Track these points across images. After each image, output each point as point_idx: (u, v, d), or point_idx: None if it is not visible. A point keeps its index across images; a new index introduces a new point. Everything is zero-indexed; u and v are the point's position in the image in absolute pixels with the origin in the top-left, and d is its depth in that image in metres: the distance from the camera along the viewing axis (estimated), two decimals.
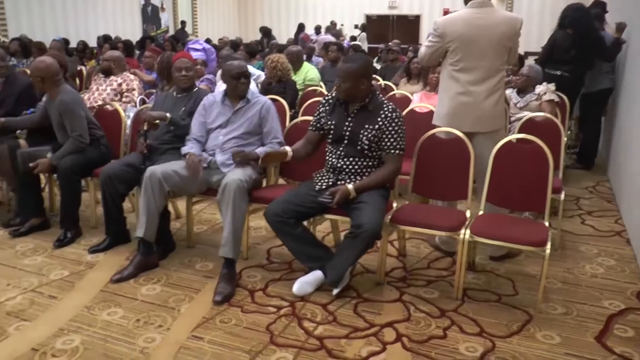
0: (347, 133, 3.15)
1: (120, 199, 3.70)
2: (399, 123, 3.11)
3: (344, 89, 3.11)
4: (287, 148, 3.28)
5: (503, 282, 3.33)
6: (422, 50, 3.65)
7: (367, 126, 3.11)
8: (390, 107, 3.13)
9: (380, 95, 3.23)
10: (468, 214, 3.27)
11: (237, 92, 3.60)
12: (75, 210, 3.94)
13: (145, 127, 3.64)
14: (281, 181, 3.96)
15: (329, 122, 3.21)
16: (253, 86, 4.68)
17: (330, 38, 13.06)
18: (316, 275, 3.12)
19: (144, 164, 3.58)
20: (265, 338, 2.71)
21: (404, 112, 4.12)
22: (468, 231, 3.04)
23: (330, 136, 3.22)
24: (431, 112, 3.95)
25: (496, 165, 3.30)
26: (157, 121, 3.64)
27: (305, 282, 3.11)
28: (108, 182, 3.57)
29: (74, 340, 2.69)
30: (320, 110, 3.29)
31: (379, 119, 3.09)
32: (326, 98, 3.32)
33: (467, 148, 3.36)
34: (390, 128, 3.09)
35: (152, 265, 3.44)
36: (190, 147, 3.55)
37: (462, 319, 2.89)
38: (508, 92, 5.04)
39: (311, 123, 3.35)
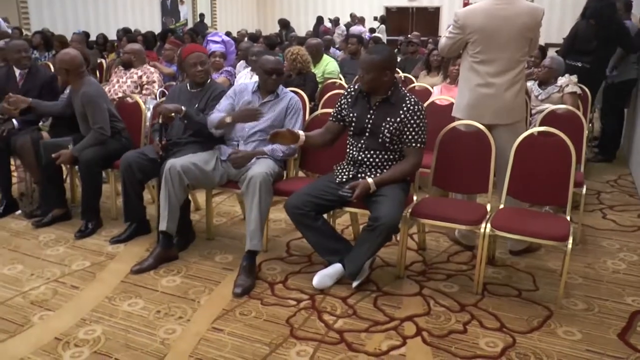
0: (369, 126, 3.14)
1: (139, 186, 3.73)
2: (421, 116, 3.09)
3: (367, 80, 3.09)
4: (300, 132, 3.27)
5: (523, 277, 3.30)
6: (442, 41, 3.62)
7: (389, 119, 3.09)
8: (412, 100, 3.11)
9: (403, 89, 3.21)
10: (489, 207, 3.24)
11: (267, 87, 3.60)
12: (96, 202, 3.98)
13: (160, 121, 3.59)
14: (301, 174, 3.96)
15: (351, 114, 3.20)
16: None
17: (362, 29, 12.98)
18: (336, 268, 3.12)
19: (160, 160, 3.59)
20: (285, 331, 2.72)
21: (424, 105, 4.09)
22: (489, 225, 3.01)
23: (352, 128, 3.21)
24: (451, 105, 3.91)
25: (517, 159, 3.26)
26: (173, 114, 3.57)
27: (325, 275, 3.12)
28: (127, 169, 3.61)
29: (95, 330, 2.72)
30: (342, 101, 3.28)
31: (401, 112, 3.07)
32: (349, 90, 3.31)
33: (488, 141, 3.33)
34: (412, 121, 3.07)
35: (172, 257, 3.47)
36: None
37: (482, 314, 2.88)
38: (529, 84, 4.98)
39: (332, 113, 3.34)
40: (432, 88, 5.15)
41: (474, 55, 3.41)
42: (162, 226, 3.38)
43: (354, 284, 3.10)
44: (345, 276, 3.12)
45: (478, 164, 3.36)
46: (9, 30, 6.32)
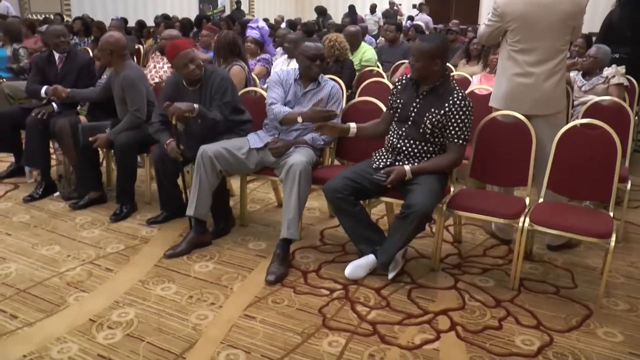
0: (412, 114, 3.08)
1: (173, 176, 3.74)
2: (467, 112, 3.01)
3: (416, 68, 3.04)
4: (352, 124, 3.25)
5: (561, 274, 3.21)
6: (481, 29, 3.54)
7: (433, 110, 3.03)
8: (460, 94, 3.03)
9: (454, 82, 3.13)
10: (527, 201, 3.15)
11: (310, 74, 3.53)
12: (130, 186, 4.02)
13: (173, 122, 3.46)
14: (336, 162, 3.93)
15: (398, 101, 3.16)
16: None
17: (427, 18, 12.80)
18: (369, 259, 3.08)
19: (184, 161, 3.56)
20: (318, 320, 2.69)
21: None
22: (527, 219, 2.93)
23: (397, 115, 3.17)
24: (490, 95, 3.83)
25: (559, 151, 3.17)
26: (187, 114, 3.42)
27: (358, 266, 3.08)
28: (159, 161, 3.63)
29: (128, 313, 2.74)
30: (393, 90, 3.24)
31: (446, 105, 3.01)
32: (401, 77, 3.26)
33: (529, 132, 3.24)
34: (457, 116, 3.00)
35: (205, 243, 3.48)
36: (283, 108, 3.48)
37: (519, 310, 2.81)
38: (572, 74, 4.83)
39: (388, 104, 3.30)
40: (472, 77, 5.05)
41: (513, 43, 3.32)
42: (190, 211, 3.39)
43: (390, 275, 3.06)
44: (377, 266, 3.08)
45: (517, 156, 3.28)
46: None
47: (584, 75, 4.80)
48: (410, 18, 14.19)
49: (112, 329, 2.61)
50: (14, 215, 3.99)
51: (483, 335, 2.59)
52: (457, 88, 3.08)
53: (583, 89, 4.72)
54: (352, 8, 14.42)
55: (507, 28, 3.31)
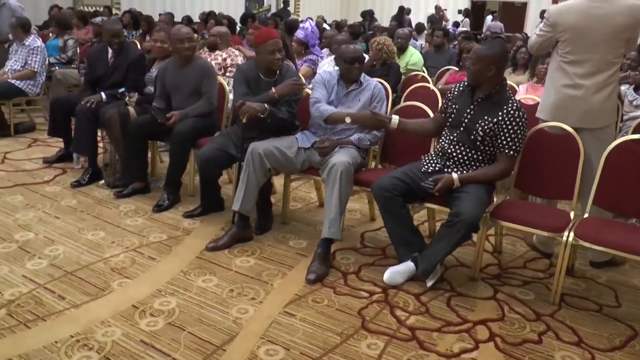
0: (466, 120, 3.07)
1: (215, 177, 3.85)
2: (520, 123, 2.99)
3: (472, 71, 3.04)
4: (394, 116, 3.28)
5: (605, 292, 3.14)
6: (532, 38, 3.48)
7: (486, 117, 3.01)
8: (515, 104, 3.01)
9: (509, 92, 3.11)
10: (572, 215, 3.09)
11: (351, 76, 3.56)
12: (179, 175, 4.10)
13: (244, 120, 3.47)
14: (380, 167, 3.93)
15: (453, 106, 3.16)
16: None
17: (500, 25, 12.71)
18: (408, 266, 3.06)
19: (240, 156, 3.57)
20: (357, 322, 2.69)
21: None
22: (572, 234, 2.88)
23: (450, 120, 3.16)
24: (537, 105, 3.78)
25: (607, 166, 3.09)
26: (259, 114, 3.44)
27: (396, 272, 3.06)
28: (204, 164, 3.65)
29: (170, 302, 2.79)
30: (449, 95, 3.24)
31: (500, 114, 2.98)
32: (459, 84, 3.25)
33: (577, 145, 3.17)
34: (509, 126, 2.98)
35: (247, 238, 3.51)
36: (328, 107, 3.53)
37: (559, 326, 2.75)
38: (623, 88, 4.73)
39: (440, 106, 3.32)
40: (517, 86, 4.98)
41: (564, 54, 3.26)
42: (236, 206, 3.42)
43: (428, 283, 3.03)
44: (418, 274, 3.04)
45: (564, 169, 3.21)
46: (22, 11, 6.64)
47: (635, 89, 4.69)
48: (456, 24, 14.06)
49: (154, 317, 2.65)
50: (62, 199, 4.10)
51: (522, 349, 2.55)
52: (512, 98, 3.05)
53: (634, 103, 4.61)
54: (401, 9, 14.39)
55: (559, 39, 3.26)
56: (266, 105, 3.46)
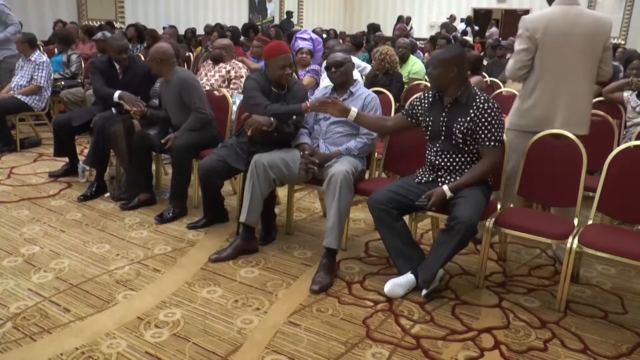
0: (443, 128, 3.10)
1: (217, 188, 3.85)
2: (493, 114, 3.01)
3: (434, 75, 3.09)
4: (353, 107, 3.34)
5: (610, 298, 3.13)
6: (509, 63, 3.56)
7: (460, 119, 3.04)
8: (482, 97, 3.05)
9: (475, 88, 3.13)
10: (576, 222, 3.08)
11: (333, 83, 3.64)
12: (184, 188, 4.12)
13: (249, 133, 3.48)
14: (383, 175, 3.93)
15: (427, 119, 3.17)
16: (358, 76, 4.65)
17: (495, 31, 12.76)
18: (408, 278, 3.04)
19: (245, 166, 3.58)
20: (362, 331, 2.69)
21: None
22: (576, 240, 2.87)
23: (429, 133, 3.18)
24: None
25: (611, 172, 3.09)
26: (265, 128, 3.46)
27: (397, 284, 3.03)
28: (206, 174, 3.67)
29: (175, 313, 2.79)
30: (417, 102, 3.26)
31: (471, 111, 3.02)
32: (425, 93, 3.27)
33: (579, 152, 3.17)
34: (483, 119, 3.00)
35: (252, 250, 3.51)
36: (303, 138, 3.61)
37: (564, 333, 2.74)
38: (626, 94, 4.72)
39: (405, 107, 3.35)
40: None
41: (540, 64, 3.36)
42: (242, 218, 3.43)
43: (423, 292, 3.01)
44: (419, 283, 3.03)
45: (566, 176, 3.22)
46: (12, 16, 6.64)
47: (638, 95, 4.68)
48: (465, 33, 14.10)
49: (159, 328, 2.66)
50: (67, 213, 4.13)
51: (528, 356, 2.54)
52: (478, 93, 3.08)
53: (637, 109, 4.60)
54: (399, 18, 14.47)
55: (537, 44, 3.35)
56: (272, 119, 3.46)
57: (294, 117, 3.55)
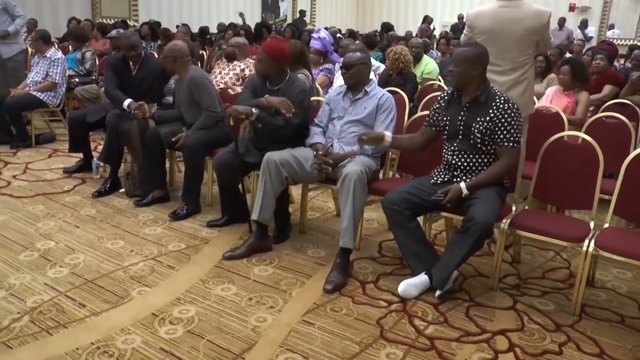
0: (461, 127, 3.09)
1: (235, 183, 3.81)
2: (512, 114, 3.00)
3: (456, 73, 3.08)
4: (387, 132, 3.30)
5: (626, 302, 3.10)
6: (462, 37, 3.75)
7: (479, 118, 3.03)
8: (503, 97, 3.04)
9: (494, 88, 3.12)
10: (592, 225, 3.06)
11: (346, 83, 3.63)
12: (197, 186, 4.13)
13: (231, 123, 3.54)
14: (397, 176, 3.93)
15: (445, 118, 3.17)
16: (372, 75, 4.63)
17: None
18: (422, 279, 3.03)
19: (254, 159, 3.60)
20: (376, 332, 2.69)
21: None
22: (592, 243, 2.85)
23: (446, 132, 3.17)
24: (556, 114, 3.81)
25: (628, 176, 3.06)
26: (243, 116, 3.50)
27: (411, 285, 3.02)
28: (220, 170, 3.70)
29: (189, 310, 2.80)
30: (436, 106, 3.26)
31: (491, 111, 3.01)
32: (442, 94, 3.28)
33: (596, 154, 3.15)
34: (502, 120, 2.99)
35: (265, 248, 3.51)
36: (316, 138, 3.60)
37: (580, 337, 2.72)
38: None
39: (426, 119, 3.33)
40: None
41: None
42: (254, 215, 3.44)
43: (437, 293, 3.00)
44: (433, 285, 3.01)
45: (583, 178, 3.20)
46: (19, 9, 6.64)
47: None
48: None
49: (173, 325, 2.67)
50: (82, 209, 4.15)
51: (543, 359, 2.53)
52: (498, 93, 3.08)
53: None
54: (425, 18, 14.43)
55: (476, 39, 3.44)
56: (254, 109, 3.47)
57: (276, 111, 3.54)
